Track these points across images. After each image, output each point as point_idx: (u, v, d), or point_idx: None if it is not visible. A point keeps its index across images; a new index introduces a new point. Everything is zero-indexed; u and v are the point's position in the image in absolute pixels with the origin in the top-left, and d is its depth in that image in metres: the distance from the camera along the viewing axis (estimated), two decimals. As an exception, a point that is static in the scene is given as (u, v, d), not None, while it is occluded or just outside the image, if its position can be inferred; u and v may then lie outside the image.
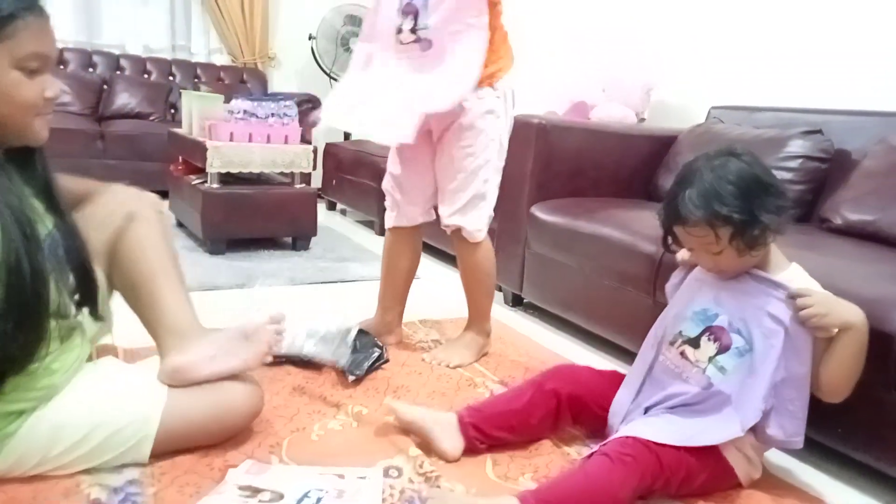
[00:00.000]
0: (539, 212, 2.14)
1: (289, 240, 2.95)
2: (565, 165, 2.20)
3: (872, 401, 1.19)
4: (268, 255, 2.79)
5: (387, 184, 1.77)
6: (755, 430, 1.17)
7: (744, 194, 1.10)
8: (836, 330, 1.11)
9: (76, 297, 1.00)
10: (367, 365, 1.60)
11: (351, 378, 1.54)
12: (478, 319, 1.81)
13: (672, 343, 1.25)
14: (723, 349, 1.17)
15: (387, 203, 1.80)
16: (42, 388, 0.97)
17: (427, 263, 2.79)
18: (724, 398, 1.15)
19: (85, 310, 1.04)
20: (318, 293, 2.36)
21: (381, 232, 3.43)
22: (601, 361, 1.87)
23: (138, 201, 1.17)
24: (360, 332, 1.70)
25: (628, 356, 1.89)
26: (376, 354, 1.66)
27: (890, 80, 2.04)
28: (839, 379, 1.12)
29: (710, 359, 1.18)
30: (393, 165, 1.74)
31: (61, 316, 0.95)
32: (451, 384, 1.62)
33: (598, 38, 3.04)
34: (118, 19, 4.32)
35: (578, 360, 1.83)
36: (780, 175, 1.96)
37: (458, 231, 1.68)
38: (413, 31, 1.52)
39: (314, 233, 2.94)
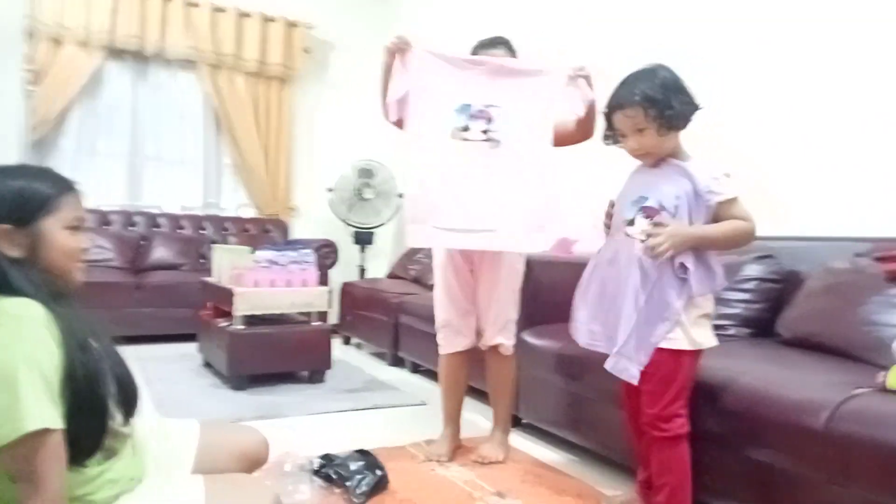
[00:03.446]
0: (529, 337, 2.37)
1: (305, 373, 3.18)
2: (550, 296, 2.46)
3: (811, 496, 1.37)
4: (286, 388, 3.01)
5: (441, 321, 2.15)
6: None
7: (664, 87, 1.51)
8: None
9: (118, 402, 1.19)
10: (366, 489, 1.75)
11: (357, 502, 1.72)
12: (503, 421, 2.17)
13: (619, 230, 1.58)
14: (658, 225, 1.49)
15: (443, 336, 2.16)
16: (99, 497, 1.15)
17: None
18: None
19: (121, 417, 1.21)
20: (332, 422, 2.55)
21: (393, 363, 3.68)
22: (592, 473, 2.02)
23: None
24: (364, 454, 1.88)
25: (615, 466, 2.04)
26: (378, 476, 1.81)
27: (830, 208, 2.34)
28: (726, 250, 1.59)
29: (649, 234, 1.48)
30: (442, 307, 2.13)
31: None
32: (452, 497, 1.79)
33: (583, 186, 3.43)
34: (157, 183, 4.89)
35: (571, 473, 2.00)
36: (739, 295, 2.22)
37: (495, 347, 2.08)
38: (485, 132, 1.89)
39: (328, 366, 3.18)
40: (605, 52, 3.32)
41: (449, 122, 1.89)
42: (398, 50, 1.90)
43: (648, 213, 1.53)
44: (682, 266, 1.48)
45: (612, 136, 1.62)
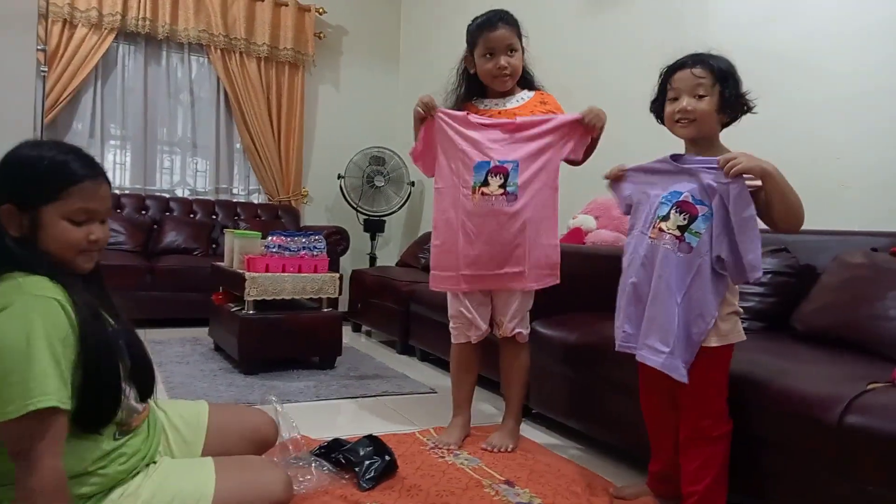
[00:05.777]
0: (541, 328, 2.37)
1: (316, 359, 3.20)
2: (562, 286, 2.45)
3: (823, 490, 1.36)
4: (296, 373, 3.02)
5: (455, 311, 2.16)
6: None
7: (735, 75, 1.51)
8: (760, 182, 1.41)
9: (134, 379, 1.21)
10: (374, 474, 1.75)
11: (365, 487, 1.71)
12: (515, 410, 2.16)
13: (652, 227, 1.54)
14: (692, 219, 1.47)
15: (455, 326, 2.18)
16: (112, 471, 1.17)
17: (443, 378, 3.00)
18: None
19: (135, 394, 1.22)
20: (341, 408, 2.57)
21: (403, 351, 3.69)
22: (602, 464, 2.03)
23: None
24: (373, 440, 1.88)
25: (626, 457, 2.04)
26: (386, 462, 1.80)
27: (845, 202, 2.32)
28: (785, 214, 1.42)
29: (684, 228, 1.47)
30: (457, 299, 2.14)
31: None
32: (461, 485, 1.79)
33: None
34: (169, 168, 4.92)
35: (581, 463, 2.00)
36: (753, 288, 2.20)
37: (512, 337, 2.12)
38: (502, 186, 1.96)
39: (339, 352, 3.19)
40: (611, 42, 3.29)
41: (468, 179, 2.01)
42: (426, 114, 2.07)
43: (683, 207, 1.49)
44: (720, 259, 1.46)
45: (661, 100, 1.58)
